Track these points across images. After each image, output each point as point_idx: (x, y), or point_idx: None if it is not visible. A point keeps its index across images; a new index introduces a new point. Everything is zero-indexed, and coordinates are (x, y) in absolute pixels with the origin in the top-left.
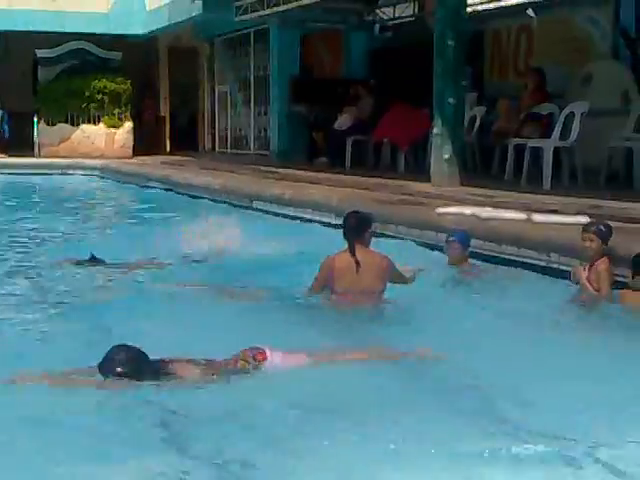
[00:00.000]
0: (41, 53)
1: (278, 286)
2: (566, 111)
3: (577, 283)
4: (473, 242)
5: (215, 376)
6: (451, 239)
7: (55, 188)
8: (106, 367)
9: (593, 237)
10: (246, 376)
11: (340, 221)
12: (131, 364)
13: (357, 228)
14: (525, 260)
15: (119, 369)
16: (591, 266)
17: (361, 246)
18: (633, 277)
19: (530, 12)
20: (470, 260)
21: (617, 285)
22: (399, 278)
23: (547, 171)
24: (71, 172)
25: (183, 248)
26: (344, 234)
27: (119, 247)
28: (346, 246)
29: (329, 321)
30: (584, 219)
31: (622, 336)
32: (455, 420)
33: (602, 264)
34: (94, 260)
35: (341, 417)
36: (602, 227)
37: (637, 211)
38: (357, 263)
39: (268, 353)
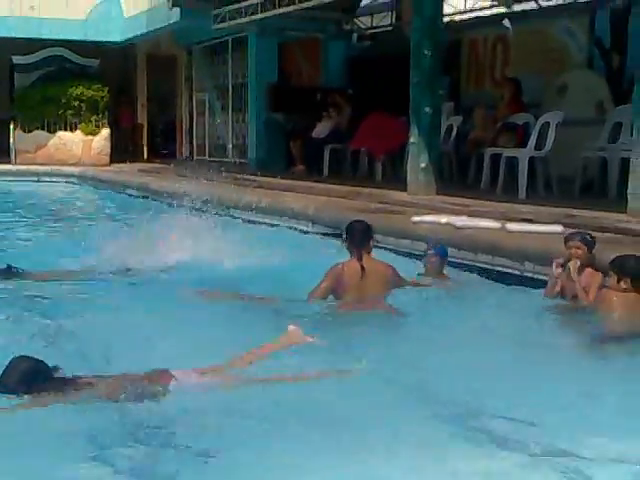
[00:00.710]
0: (17, 59)
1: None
2: (541, 121)
3: (562, 286)
4: (449, 251)
5: (123, 394)
6: (430, 252)
7: (28, 195)
8: (4, 381)
9: (580, 245)
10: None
11: (316, 229)
12: (29, 378)
13: (363, 236)
14: (500, 269)
15: (16, 383)
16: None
17: (366, 254)
18: (618, 281)
19: (506, 23)
20: (446, 271)
21: None
22: (404, 283)
23: (522, 180)
24: (47, 179)
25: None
26: (349, 243)
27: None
28: (349, 256)
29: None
30: (559, 228)
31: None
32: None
33: (596, 276)
34: (9, 270)
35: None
36: (588, 236)
37: (610, 220)
38: (363, 269)
39: (176, 375)
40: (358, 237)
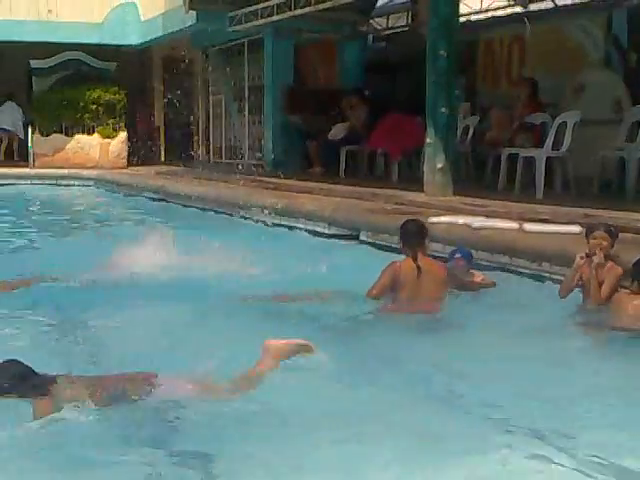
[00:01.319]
0: (35, 64)
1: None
2: (558, 120)
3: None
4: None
5: (104, 395)
6: (456, 256)
7: (47, 198)
8: None
9: (605, 235)
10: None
11: (333, 231)
12: (14, 379)
13: (419, 235)
14: (517, 269)
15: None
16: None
17: (422, 254)
18: (632, 282)
19: (524, 21)
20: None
21: None
22: (459, 283)
23: (540, 180)
24: (65, 183)
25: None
26: (403, 243)
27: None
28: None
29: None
30: (576, 228)
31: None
32: None
33: (616, 270)
34: None
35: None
36: (612, 227)
37: (628, 220)
38: (419, 269)
39: (162, 381)
40: (413, 237)
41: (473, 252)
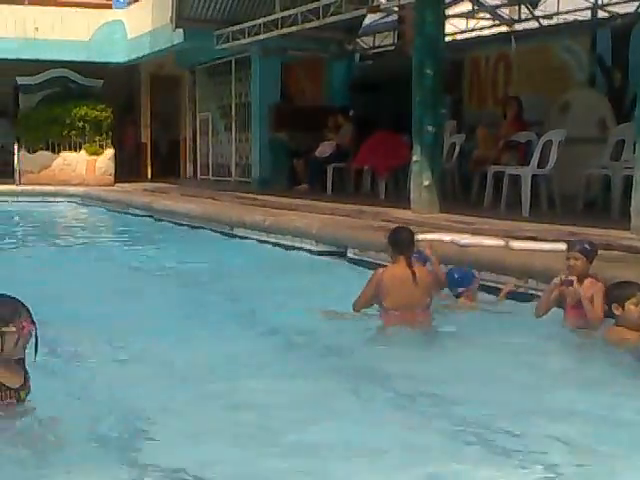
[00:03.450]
0: (22, 81)
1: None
2: (544, 139)
3: (560, 300)
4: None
5: None
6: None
7: (32, 215)
8: None
9: (578, 255)
10: None
11: (320, 247)
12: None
13: (411, 241)
14: (503, 287)
15: None
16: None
17: (411, 260)
18: (623, 308)
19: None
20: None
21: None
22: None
23: (525, 198)
24: (51, 200)
25: None
26: (394, 249)
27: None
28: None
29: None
30: (562, 246)
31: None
32: None
33: (596, 286)
34: None
35: None
36: (587, 245)
37: (613, 238)
38: (414, 275)
39: None
40: (405, 243)
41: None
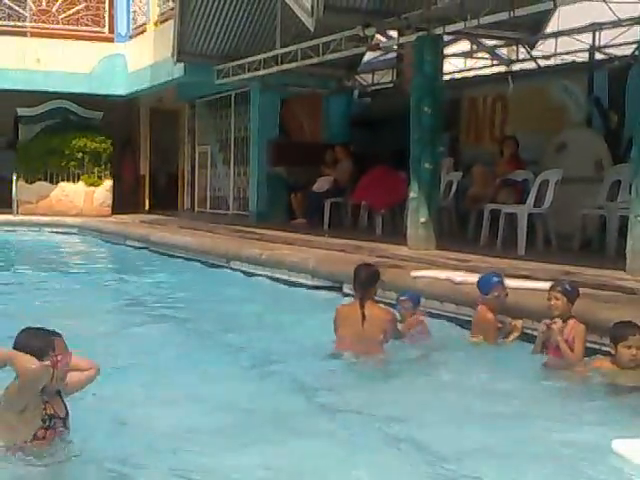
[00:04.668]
0: (22, 112)
1: None
2: (540, 178)
3: (543, 341)
4: (448, 306)
5: None
6: (402, 297)
7: (28, 246)
8: None
9: (559, 295)
10: None
11: (316, 282)
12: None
13: (367, 281)
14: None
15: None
16: (563, 325)
17: (370, 299)
18: (616, 349)
19: (508, 80)
20: (422, 317)
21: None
22: (398, 333)
23: (522, 236)
24: (49, 230)
25: None
26: (354, 285)
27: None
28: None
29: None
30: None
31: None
32: None
33: (578, 327)
34: None
35: None
36: (567, 286)
37: (609, 278)
38: (363, 316)
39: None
40: (362, 281)
41: (455, 307)
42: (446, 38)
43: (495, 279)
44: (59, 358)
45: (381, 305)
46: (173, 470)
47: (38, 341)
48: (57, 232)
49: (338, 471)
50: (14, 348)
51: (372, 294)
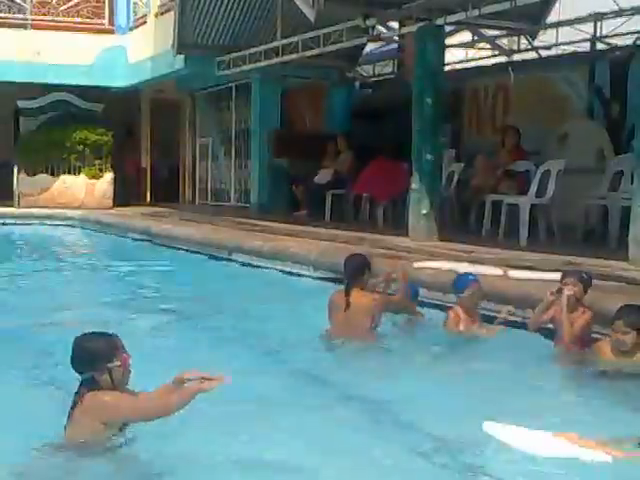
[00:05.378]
0: (23, 104)
1: None
2: (542, 169)
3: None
4: (450, 297)
5: None
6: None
7: (29, 238)
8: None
9: (576, 282)
10: None
11: (318, 274)
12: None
13: (354, 271)
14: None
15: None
16: (572, 312)
17: (357, 287)
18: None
19: (510, 71)
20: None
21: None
22: (395, 306)
23: (524, 227)
24: (50, 222)
25: None
26: (344, 274)
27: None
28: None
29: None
30: (559, 276)
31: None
32: None
33: (586, 314)
34: None
35: None
36: (584, 274)
37: (611, 269)
38: (347, 304)
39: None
40: (350, 271)
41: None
42: (447, 29)
43: (470, 277)
44: (125, 357)
45: (368, 293)
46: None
47: (104, 343)
48: (58, 224)
49: None
50: (78, 355)
51: (360, 283)
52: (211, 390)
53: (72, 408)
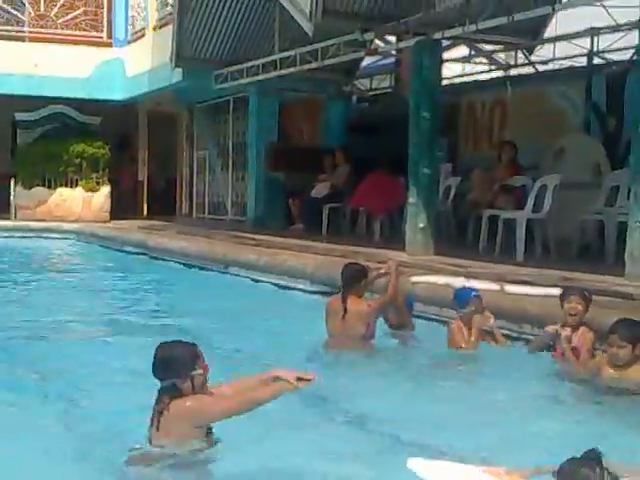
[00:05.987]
0: (20, 116)
1: None
2: (539, 183)
3: (550, 344)
4: (446, 312)
5: None
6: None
7: (25, 251)
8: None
9: (580, 300)
10: None
11: (315, 288)
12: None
13: (351, 279)
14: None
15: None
16: (573, 332)
17: (354, 295)
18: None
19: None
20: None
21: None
22: (390, 303)
23: (520, 242)
24: (46, 235)
25: None
26: (341, 282)
27: None
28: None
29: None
30: (556, 291)
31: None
32: None
33: (588, 334)
34: None
35: None
36: (586, 292)
37: (607, 284)
38: (345, 311)
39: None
40: (347, 279)
41: (453, 313)
42: (444, 43)
43: (473, 293)
44: (205, 364)
45: (365, 300)
46: None
47: (187, 351)
48: (55, 238)
49: None
50: (161, 363)
51: (357, 291)
52: (298, 390)
53: (157, 416)
